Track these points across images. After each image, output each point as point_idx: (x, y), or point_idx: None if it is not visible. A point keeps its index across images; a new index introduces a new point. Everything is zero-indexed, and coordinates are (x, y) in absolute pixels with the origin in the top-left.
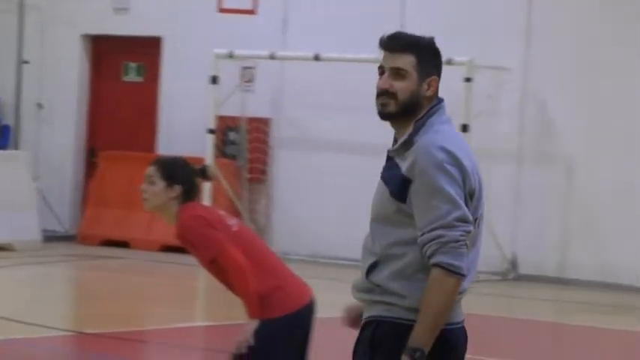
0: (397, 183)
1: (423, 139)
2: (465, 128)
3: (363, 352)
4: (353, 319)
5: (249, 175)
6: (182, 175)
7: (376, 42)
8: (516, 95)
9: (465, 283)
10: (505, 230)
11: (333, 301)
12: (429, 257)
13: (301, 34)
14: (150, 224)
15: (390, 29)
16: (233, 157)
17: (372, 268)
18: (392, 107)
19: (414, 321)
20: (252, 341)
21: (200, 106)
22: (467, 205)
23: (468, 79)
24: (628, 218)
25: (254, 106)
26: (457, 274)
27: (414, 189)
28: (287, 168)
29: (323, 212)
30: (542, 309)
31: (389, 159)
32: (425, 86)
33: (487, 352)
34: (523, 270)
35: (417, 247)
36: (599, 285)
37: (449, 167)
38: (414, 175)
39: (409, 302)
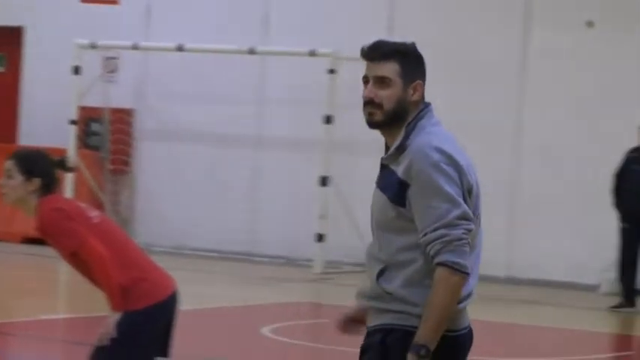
0: (394, 188)
1: (417, 141)
2: (328, 120)
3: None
4: (346, 325)
5: (112, 167)
6: (41, 167)
7: (240, 32)
8: None
9: (472, 284)
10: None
11: (197, 293)
12: (433, 257)
13: (164, 25)
14: (11, 216)
15: (255, 20)
16: (96, 148)
17: (380, 274)
18: (378, 117)
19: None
20: (114, 333)
21: (62, 96)
22: (466, 203)
23: (331, 71)
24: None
25: (117, 97)
26: (462, 272)
27: (413, 191)
28: (150, 159)
29: (187, 204)
30: None
31: (383, 167)
32: (410, 91)
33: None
34: None
35: (422, 252)
36: None
37: (445, 167)
38: (411, 178)
39: (420, 310)
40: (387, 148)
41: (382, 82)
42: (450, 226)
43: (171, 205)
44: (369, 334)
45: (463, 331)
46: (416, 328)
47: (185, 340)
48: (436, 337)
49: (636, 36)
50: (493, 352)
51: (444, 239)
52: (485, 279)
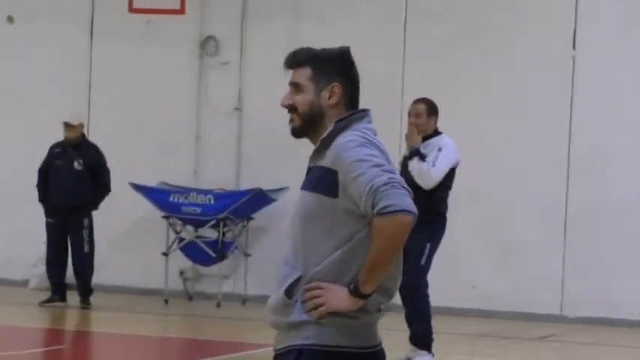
0: (324, 179)
1: (342, 137)
2: None
3: None
4: None
5: None
6: None
7: None
8: None
9: (381, 299)
10: None
11: None
12: (372, 215)
13: None
14: None
15: None
16: None
17: (294, 285)
18: (296, 122)
19: (343, 347)
20: None
21: None
22: None
23: None
24: None
25: None
26: (395, 212)
27: (342, 175)
28: None
29: None
30: None
31: (308, 171)
32: (325, 94)
33: None
34: None
35: (351, 253)
36: None
37: (367, 144)
38: (336, 163)
39: (339, 320)
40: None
41: (295, 88)
42: (375, 176)
43: None
44: (276, 358)
45: (376, 349)
46: (335, 347)
47: None
48: (368, 281)
49: (57, 33)
50: None
51: (371, 191)
52: None
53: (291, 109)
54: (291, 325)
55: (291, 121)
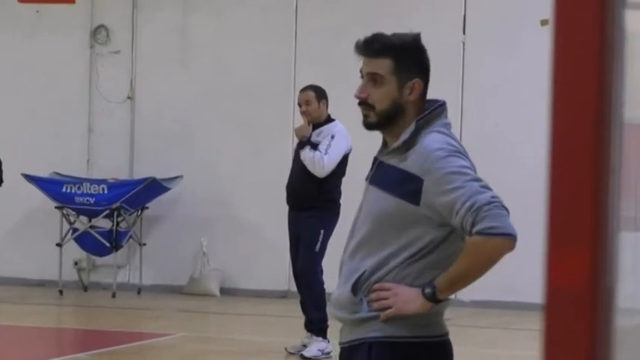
0: (405, 183)
1: (426, 138)
2: None
3: None
4: None
5: None
6: None
7: None
8: None
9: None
10: None
11: None
12: (470, 232)
13: None
14: None
15: None
16: None
17: (359, 280)
18: (372, 118)
19: (411, 337)
20: None
21: None
22: None
23: None
24: None
25: None
26: (499, 234)
27: (430, 186)
28: None
29: None
30: None
31: (380, 163)
32: (407, 90)
33: None
34: None
35: (419, 254)
36: None
37: (457, 153)
38: (426, 174)
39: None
40: (385, 145)
41: (374, 79)
42: (476, 194)
43: None
44: (343, 352)
45: (445, 337)
46: (405, 338)
47: None
48: (447, 290)
49: None
50: None
51: (472, 208)
52: None
53: (366, 105)
54: (359, 320)
55: (366, 116)
